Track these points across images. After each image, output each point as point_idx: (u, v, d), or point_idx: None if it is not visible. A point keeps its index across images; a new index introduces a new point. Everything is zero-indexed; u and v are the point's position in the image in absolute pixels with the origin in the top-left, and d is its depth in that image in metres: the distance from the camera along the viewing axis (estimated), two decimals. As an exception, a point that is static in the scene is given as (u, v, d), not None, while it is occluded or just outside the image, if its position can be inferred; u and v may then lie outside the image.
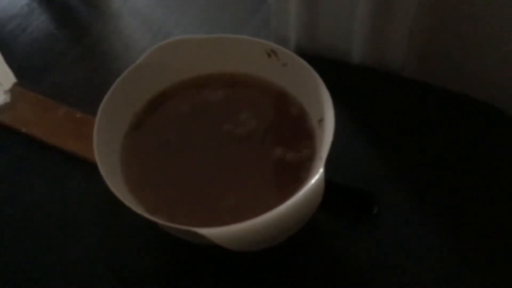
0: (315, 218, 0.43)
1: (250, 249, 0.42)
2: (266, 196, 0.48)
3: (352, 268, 0.49)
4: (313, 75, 0.48)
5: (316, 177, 0.42)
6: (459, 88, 0.59)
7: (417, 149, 0.56)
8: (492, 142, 0.57)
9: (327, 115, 0.47)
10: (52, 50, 0.86)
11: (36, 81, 0.83)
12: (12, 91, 0.80)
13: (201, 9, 0.93)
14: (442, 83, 0.60)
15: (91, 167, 0.44)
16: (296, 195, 0.41)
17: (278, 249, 0.43)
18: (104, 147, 0.47)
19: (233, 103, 0.54)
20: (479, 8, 0.53)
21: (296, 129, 0.51)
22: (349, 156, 0.55)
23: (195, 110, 0.53)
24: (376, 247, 0.50)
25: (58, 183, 0.68)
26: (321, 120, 0.48)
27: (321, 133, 0.48)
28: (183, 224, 0.42)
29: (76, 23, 0.91)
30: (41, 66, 0.85)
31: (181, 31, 0.87)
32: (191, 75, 0.55)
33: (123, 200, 0.42)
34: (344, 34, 0.61)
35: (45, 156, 0.72)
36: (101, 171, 0.44)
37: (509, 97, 0.57)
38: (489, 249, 0.49)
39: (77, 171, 0.64)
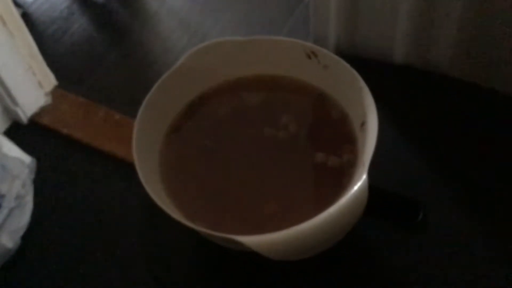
0: (357, 224, 0.42)
1: (291, 258, 0.40)
2: (308, 202, 0.47)
3: (396, 276, 0.47)
4: (355, 78, 0.46)
5: (359, 184, 0.40)
6: (508, 89, 0.56)
7: (465, 153, 0.54)
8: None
9: (370, 119, 0.45)
10: (92, 52, 0.87)
11: (76, 83, 0.84)
12: (53, 93, 0.81)
13: (238, 10, 0.91)
14: (490, 84, 0.57)
15: (130, 168, 0.44)
16: (339, 202, 0.39)
17: (319, 256, 0.41)
18: (143, 152, 0.46)
19: (273, 106, 0.52)
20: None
21: (337, 133, 0.49)
22: (393, 160, 0.53)
23: (235, 113, 0.52)
24: (421, 255, 0.48)
25: (98, 183, 0.69)
26: (363, 124, 0.46)
27: (363, 137, 0.46)
28: (223, 230, 0.41)
29: (115, 26, 0.91)
30: (81, 69, 0.85)
31: (218, 32, 0.86)
32: (230, 77, 0.53)
33: (162, 206, 0.41)
34: (387, 32, 0.59)
35: (86, 156, 0.73)
36: (140, 177, 0.43)
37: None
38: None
39: (117, 171, 0.64)
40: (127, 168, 0.46)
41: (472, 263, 0.47)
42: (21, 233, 0.65)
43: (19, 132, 0.75)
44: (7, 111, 0.77)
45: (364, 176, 0.40)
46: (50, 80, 0.82)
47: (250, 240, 0.38)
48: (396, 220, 0.50)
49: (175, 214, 0.42)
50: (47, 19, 0.94)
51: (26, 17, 0.92)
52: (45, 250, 0.66)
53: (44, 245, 0.66)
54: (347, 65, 0.47)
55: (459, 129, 0.55)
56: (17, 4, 0.78)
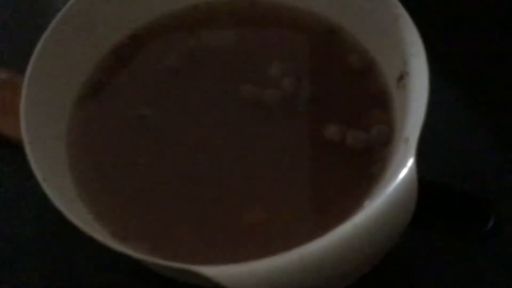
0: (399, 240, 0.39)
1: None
2: (315, 207, 0.44)
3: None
4: (388, 0, 0.43)
5: (403, 174, 0.36)
6: None
7: None
8: None
9: (414, 68, 0.42)
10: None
11: None
12: None
13: None
14: None
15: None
16: (368, 207, 0.36)
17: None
18: (40, 131, 0.42)
19: (254, 50, 0.49)
20: None
21: (359, 92, 0.46)
22: (449, 137, 0.50)
23: (190, 63, 0.49)
24: (494, 276, 0.45)
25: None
26: (402, 77, 0.43)
27: (402, 98, 0.43)
28: (173, 255, 0.37)
29: None
30: None
31: None
32: (180, 5, 0.51)
33: (74, 221, 0.37)
34: None
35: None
36: (35, 171, 0.39)
37: None
38: None
39: (9, 157, 0.60)
40: (21, 153, 0.43)
41: None
42: None
43: None
44: None
45: (411, 161, 0.36)
46: None
47: (220, 273, 0.34)
48: (456, 228, 0.48)
49: (94, 230, 0.38)
50: None
51: None
52: None
53: None
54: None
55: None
56: None
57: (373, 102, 0.45)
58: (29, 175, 0.40)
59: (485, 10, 0.58)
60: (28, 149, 0.40)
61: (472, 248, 0.47)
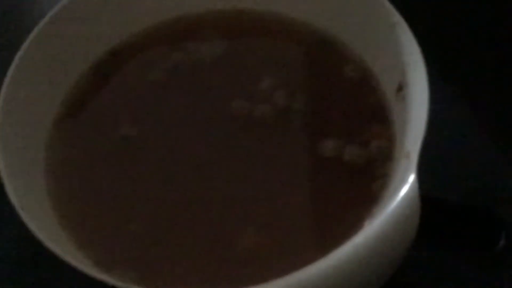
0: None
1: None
2: (312, 229, 0.43)
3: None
4: (384, 8, 0.43)
5: (404, 191, 0.35)
6: None
7: None
8: None
9: (413, 79, 0.41)
10: None
11: None
12: None
13: None
14: None
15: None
16: (369, 228, 0.35)
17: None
18: (16, 155, 0.41)
19: (244, 63, 0.49)
20: None
21: (357, 105, 0.45)
22: (454, 149, 0.50)
23: (176, 79, 0.48)
24: None
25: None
26: (401, 88, 0.43)
27: (402, 111, 0.42)
28: (163, 285, 0.38)
29: None
30: None
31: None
32: (163, 17, 0.50)
33: (58, 252, 0.36)
34: None
35: None
36: (12, 198, 0.38)
37: None
38: None
39: None
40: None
41: None
42: None
43: None
44: None
45: (412, 177, 0.36)
46: None
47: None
48: (465, 248, 0.47)
49: (76, 258, 0.37)
50: None
51: None
52: None
53: None
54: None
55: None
56: None
57: (371, 115, 0.45)
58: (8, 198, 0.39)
59: (484, 15, 0.58)
60: (4, 176, 0.39)
61: (483, 268, 0.46)
